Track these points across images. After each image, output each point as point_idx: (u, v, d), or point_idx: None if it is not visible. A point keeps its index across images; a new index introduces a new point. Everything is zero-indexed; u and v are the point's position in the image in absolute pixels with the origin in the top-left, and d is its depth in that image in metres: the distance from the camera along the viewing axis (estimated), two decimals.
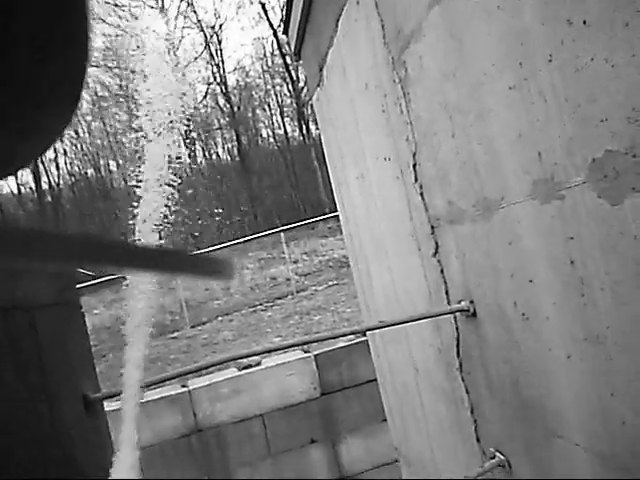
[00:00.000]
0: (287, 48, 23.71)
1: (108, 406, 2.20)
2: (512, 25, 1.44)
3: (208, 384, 7.16)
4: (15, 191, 26.31)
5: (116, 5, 24.71)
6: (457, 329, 2.31)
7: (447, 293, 2.32)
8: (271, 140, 28.84)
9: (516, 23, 1.42)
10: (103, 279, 13.54)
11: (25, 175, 25.80)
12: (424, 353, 2.83)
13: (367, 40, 2.53)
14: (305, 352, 7.46)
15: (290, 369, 7.29)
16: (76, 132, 26.89)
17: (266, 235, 15.53)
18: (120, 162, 28.03)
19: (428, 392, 2.93)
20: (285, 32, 4.14)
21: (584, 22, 1.19)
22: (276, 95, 28.45)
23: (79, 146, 27.72)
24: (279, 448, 7.27)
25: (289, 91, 27.49)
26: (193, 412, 7.07)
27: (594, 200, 1.28)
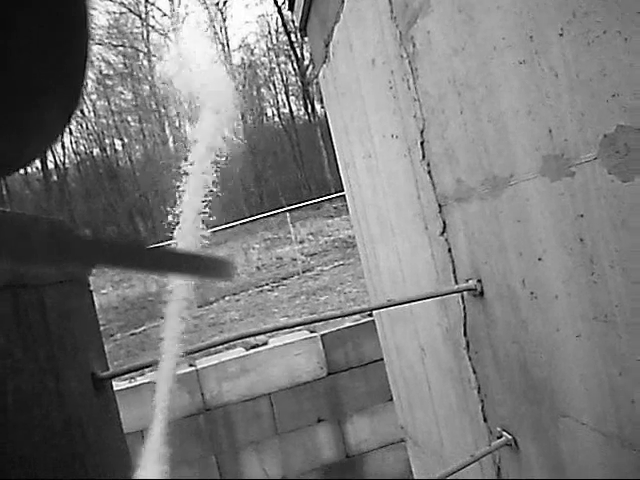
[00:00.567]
0: (292, 25, 23.53)
1: (117, 385, 2.21)
2: None
3: (216, 363, 7.20)
4: (21, 171, 26.40)
5: None
6: (464, 308, 2.30)
7: (454, 272, 2.30)
8: (276, 119, 28.72)
9: None
10: None
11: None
12: (431, 333, 2.82)
13: (374, 15, 2.49)
14: (311, 332, 7.48)
15: (297, 349, 7.32)
16: (81, 111, 26.85)
17: (272, 215, 15.54)
18: (125, 141, 28.01)
19: (435, 372, 2.92)
20: (290, 8, 4.09)
21: None
22: (281, 73, 28.28)
23: (84, 125, 27.69)
24: (286, 427, 7.33)
25: (294, 69, 27.31)
26: (201, 391, 7.12)
27: (605, 177, 1.26)
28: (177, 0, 25.77)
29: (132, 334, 11.67)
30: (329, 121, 4.09)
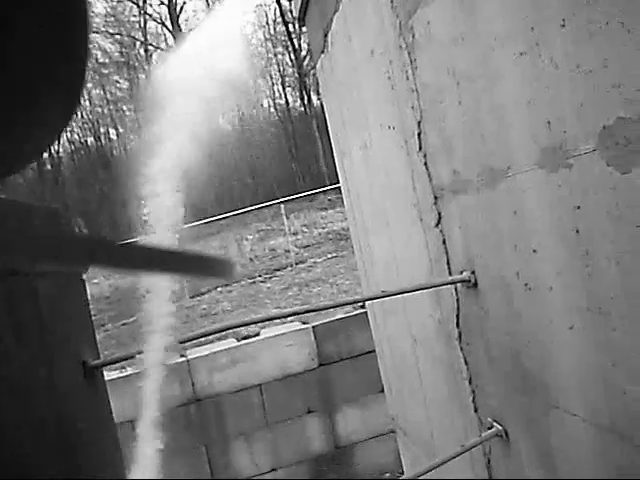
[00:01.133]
0: (290, 15, 23.43)
1: (108, 375, 2.21)
2: None
3: (207, 354, 7.20)
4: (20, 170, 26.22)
5: None
6: (457, 300, 2.30)
7: (448, 264, 2.31)
8: (272, 110, 28.64)
9: None
10: None
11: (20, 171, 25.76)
12: (423, 324, 2.83)
13: (374, 4, 2.48)
14: (303, 323, 7.49)
15: (288, 340, 7.33)
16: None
17: (266, 206, 15.51)
18: (120, 130, 27.89)
19: (426, 363, 2.93)
20: None
21: None
22: (278, 64, 28.17)
23: (79, 114, 27.52)
24: (276, 418, 7.34)
25: (291, 60, 27.22)
26: (192, 381, 7.13)
27: (603, 168, 1.26)
28: None
29: (123, 324, 11.66)
30: (326, 112, 4.08)
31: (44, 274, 1.78)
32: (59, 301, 1.89)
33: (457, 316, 2.33)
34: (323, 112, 4.20)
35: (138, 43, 26.69)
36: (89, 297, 2.30)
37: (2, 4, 0.31)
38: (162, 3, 26.10)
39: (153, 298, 1.69)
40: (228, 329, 2.49)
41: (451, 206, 2.18)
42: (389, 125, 2.65)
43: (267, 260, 14.78)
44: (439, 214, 2.30)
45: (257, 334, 7.43)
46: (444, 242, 2.31)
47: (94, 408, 1.99)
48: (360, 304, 6.13)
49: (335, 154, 4.09)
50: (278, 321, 7.38)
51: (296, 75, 26.90)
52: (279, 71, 28.21)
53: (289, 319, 7.38)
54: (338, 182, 4.24)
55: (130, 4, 26.14)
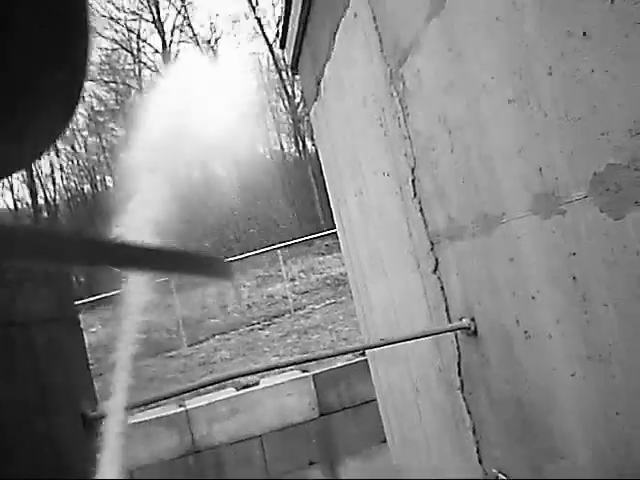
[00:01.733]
0: (283, 63, 23.86)
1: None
2: (511, 37, 1.42)
3: (206, 404, 7.09)
4: (11, 206, 26.32)
5: (112, 19, 24.88)
6: (458, 348, 2.27)
7: (447, 311, 2.28)
8: (267, 156, 28.89)
9: (516, 35, 1.40)
10: (100, 296, 13.50)
11: (21, 190, 25.83)
12: (425, 372, 2.79)
13: (364, 53, 2.52)
14: (303, 372, 7.40)
15: (288, 389, 7.23)
16: (72, 147, 26.96)
17: (263, 252, 15.50)
18: (117, 178, 28.07)
19: (429, 412, 2.88)
20: (282, 46, 4.15)
21: (584, 33, 1.17)
22: (272, 111, 28.54)
23: (75, 161, 27.76)
24: (277, 470, 7.19)
25: (285, 107, 27.59)
26: (190, 432, 7.00)
27: (596, 215, 1.25)
28: (169, 37, 26.08)
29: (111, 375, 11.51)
30: (320, 158, 4.11)
31: (41, 323, 1.76)
32: (57, 351, 1.86)
33: (458, 364, 2.30)
34: (318, 157, 4.24)
35: (133, 91, 27.09)
36: (87, 346, 2.27)
37: (2, 4, 0.31)
38: (156, 51, 26.58)
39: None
40: (227, 379, 2.45)
41: (448, 252, 2.17)
42: (383, 172, 2.66)
43: (265, 307, 14.70)
44: (436, 260, 2.29)
45: (257, 383, 7.33)
46: (442, 288, 2.29)
47: (93, 459, 1.95)
48: (360, 352, 6.08)
49: (331, 200, 4.10)
50: (278, 370, 7.30)
51: (290, 121, 27.24)
52: (273, 117, 28.58)
53: (288, 368, 7.30)
54: (335, 227, 4.25)
55: (125, 52, 26.62)
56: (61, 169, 27.20)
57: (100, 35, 24.54)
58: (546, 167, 1.40)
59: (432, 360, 2.61)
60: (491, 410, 2.09)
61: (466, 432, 2.36)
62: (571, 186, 1.32)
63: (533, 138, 1.43)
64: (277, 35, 23.88)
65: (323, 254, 17.27)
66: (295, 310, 13.67)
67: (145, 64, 26.82)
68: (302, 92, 4.27)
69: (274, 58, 25.77)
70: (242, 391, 7.21)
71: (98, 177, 28.41)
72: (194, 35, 26.82)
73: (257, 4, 25.35)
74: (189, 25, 27.04)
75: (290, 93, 26.19)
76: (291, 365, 2.26)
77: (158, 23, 25.87)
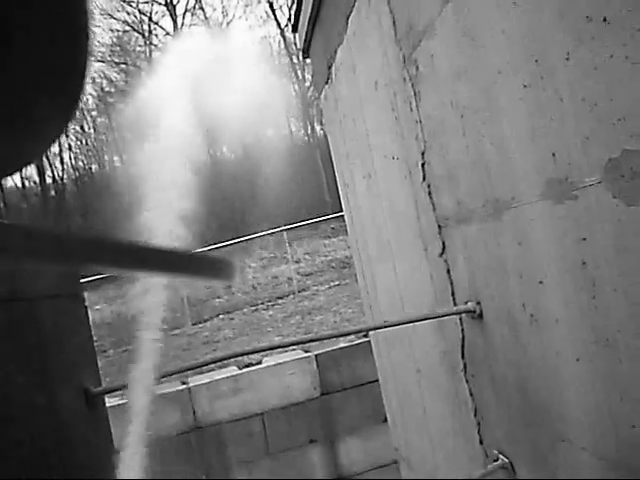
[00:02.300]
0: (294, 47, 23.71)
1: (109, 401, 2.19)
2: (528, 22, 1.42)
3: (208, 382, 7.15)
4: (19, 185, 26.35)
5: (124, 1, 24.74)
6: (462, 331, 2.29)
7: (453, 294, 2.30)
8: (275, 139, 28.79)
9: (533, 20, 1.40)
10: (105, 275, 13.56)
11: (29, 169, 25.83)
12: (428, 354, 2.81)
13: (378, 37, 2.51)
14: (306, 352, 7.45)
15: (291, 368, 7.28)
16: (81, 127, 26.91)
17: (269, 234, 15.51)
18: (125, 158, 28.06)
19: (431, 393, 2.91)
20: (294, 29, 4.13)
21: (604, 19, 1.17)
22: (281, 94, 28.38)
23: (84, 141, 27.73)
24: (278, 447, 7.26)
25: (295, 91, 27.47)
26: (193, 409, 7.07)
27: (609, 200, 1.26)
28: (180, 20, 25.93)
29: (125, 350, 11.59)
30: (329, 142, 4.11)
31: (45, 299, 1.77)
32: (61, 327, 1.88)
33: (462, 347, 2.32)
34: (326, 141, 4.23)
35: (144, 72, 27.00)
36: (91, 323, 2.29)
37: (2, 4, 0.31)
38: (167, 34, 26.46)
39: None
40: (230, 358, 2.47)
41: (455, 236, 2.18)
42: (393, 155, 2.66)
43: (270, 288, 14.75)
44: (443, 244, 2.30)
45: (259, 362, 7.39)
46: (449, 272, 2.30)
47: (95, 435, 1.97)
48: (363, 333, 6.11)
49: (338, 183, 4.10)
50: (280, 349, 7.34)
51: (300, 105, 27.13)
52: (283, 101, 28.43)
53: (291, 348, 7.34)
54: (341, 210, 4.25)
55: (136, 34, 26.51)
56: (70, 149, 27.18)
57: (112, 17, 24.43)
58: (560, 152, 1.40)
59: (436, 342, 2.63)
60: (494, 393, 2.11)
61: (468, 414, 2.39)
62: (585, 171, 1.32)
63: (548, 123, 1.43)
64: (289, 19, 23.71)
65: (329, 237, 17.28)
66: (299, 291, 13.71)
67: (156, 46, 26.70)
68: (313, 76, 4.25)
69: (285, 42, 25.62)
70: (244, 370, 7.27)
71: (106, 157, 28.40)
72: (206, 18, 26.67)
73: None
74: (201, 8, 26.88)
75: (300, 77, 26.07)
76: (294, 345, 2.29)
77: (170, 6, 25.73)
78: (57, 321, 1.85)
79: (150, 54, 26.78)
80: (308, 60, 4.26)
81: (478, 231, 1.97)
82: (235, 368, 7.39)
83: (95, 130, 27.93)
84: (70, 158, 27.68)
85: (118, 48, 26.33)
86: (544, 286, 1.62)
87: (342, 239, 15.40)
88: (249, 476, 7.15)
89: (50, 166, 26.62)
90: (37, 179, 26.52)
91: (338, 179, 4.08)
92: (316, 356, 7.32)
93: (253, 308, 13.31)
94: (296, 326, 10.51)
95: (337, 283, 13.57)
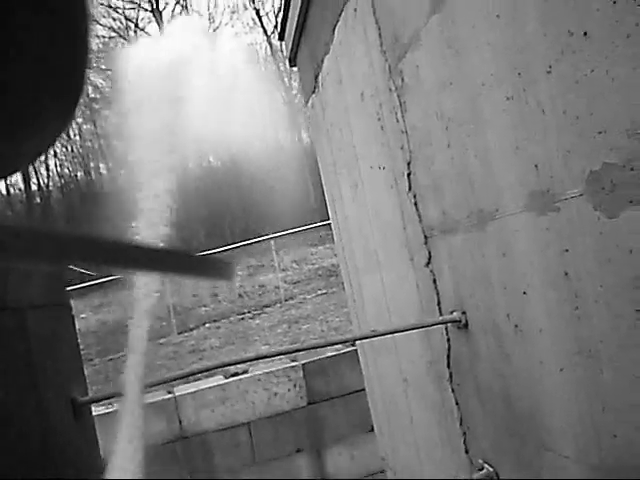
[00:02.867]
0: (280, 55, 23.78)
1: (96, 410, 2.18)
2: (512, 35, 1.44)
3: (194, 391, 7.11)
4: (4, 192, 26.15)
5: (110, 7, 24.71)
6: (448, 340, 2.30)
7: (439, 304, 2.31)
8: (262, 147, 28.82)
9: (516, 33, 1.42)
10: (91, 283, 13.47)
11: (14, 176, 25.66)
12: (414, 364, 2.82)
13: (364, 48, 2.53)
14: (293, 361, 7.43)
15: (277, 378, 7.26)
16: (67, 134, 26.78)
17: (255, 242, 15.49)
18: (110, 165, 27.95)
19: (417, 403, 2.91)
20: (280, 38, 4.14)
21: (585, 33, 1.18)
22: (268, 102, 28.42)
23: (69, 148, 27.60)
24: (264, 456, 7.23)
25: (282, 98, 27.52)
26: (179, 419, 7.02)
27: (590, 213, 1.28)
28: (166, 26, 25.96)
29: (111, 359, 11.52)
30: (316, 150, 4.12)
31: (33, 308, 1.76)
32: (49, 337, 1.87)
33: (448, 357, 2.33)
34: (313, 149, 4.25)
35: (128, 79, 26.91)
36: (77, 332, 2.27)
37: (2, 4, 0.31)
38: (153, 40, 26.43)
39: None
40: (216, 368, 2.47)
41: (441, 246, 2.19)
42: (379, 165, 2.67)
43: (256, 296, 14.71)
44: (429, 254, 2.31)
45: (245, 371, 7.36)
46: (434, 282, 2.31)
47: (83, 444, 1.96)
48: (350, 342, 6.10)
49: (325, 192, 4.11)
50: (267, 359, 7.31)
51: (287, 113, 27.17)
52: (270, 109, 28.47)
53: (278, 357, 7.32)
54: (328, 218, 4.26)
55: (122, 40, 26.47)
56: (55, 155, 27.03)
57: (98, 23, 24.39)
58: (542, 164, 1.42)
59: (422, 352, 2.64)
60: (479, 402, 2.12)
61: (454, 423, 2.39)
62: (566, 184, 1.34)
63: (530, 135, 1.44)
64: (275, 26, 23.80)
65: (315, 245, 17.28)
66: (286, 300, 13.69)
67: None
68: (300, 84, 4.26)
69: (272, 49, 25.70)
70: (231, 379, 7.24)
71: (92, 164, 28.27)
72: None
73: None
74: (187, 15, 26.89)
75: (287, 84, 26.14)
76: (281, 354, 2.29)
77: (156, 12, 25.74)
78: (44, 330, 1.84)
79: None
80: (295, 68, 4.28)
81: (463, 241, 1.98)
82: (221, 377, 7.36)
83: (81, 137, 27.81)
84: (55, 165, 27.52)
85: (104, 54, 26.27)
86: (528, 297, 1.63)
87: (329, 247, 15.42)
88: None
89: (35, 173, 26.46)
90: (22, 186, 26.34)
91: (325, 188, 4.09)
92: (303, 365, 7.31)
93: (240, 317, 13.26)
94: (283, 335, 10.49)
95: (324, 292, 13.57)
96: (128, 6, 26.04)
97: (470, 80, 1.69)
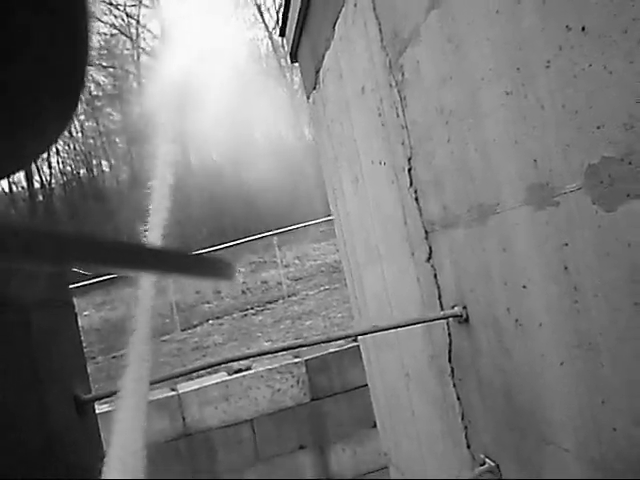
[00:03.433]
0: (282, 50, 23.77)
1: (99, 408, 2.18)
2: (511, 30, 1.44)
3: (197, 388, 7.13)
4: (6, 190, 26.18)
5: (111, 4, 24.71)
6: (449, 335, 2.31)
7: (440, 298, 2.31)
8: (264, 142, 28.80)
9: (515, 28, 1.42)
10: (93, 280, 13.49)
11: (17, 174, 25.65)
12: (416, 359, 2.82)
13: (364, 43, 2.53)
14: (295, 357, 7.44)
15: (280, 374, 7.27)
16: (69, 132, 26.80)
17: (258, 238, 15.49)
18: (113, 162, 27.98)
19: (419, 398, 2.92)
20: (282, 34, 4.14)
21: (582, 28, 1.19)
22: (270, 97, 28.39)
23: (72, 146, 27.60)
24: (268, 453, 7.25)
25: (283, 93, 27.50)
26: (182, 416, 7.04)
27: (589, 206, 1.28)
28: (168, 23, 25.94)
29: (114, 357, 11.54)
30: (317, 145, 4.12)
31: (37, 306, 1.77)
32: (52, 334, 1.88)
33: (449, 351, 2.33)
34: (315, 144, 4.25)
35: (131, 76, 26.95)
36: (79, 329, 2.28)
37: (2, 5, 0.31)
38: (155, 37, 26.44)
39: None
40: (220, 364, 2.47)
41: (442, 241, 2.19)
42: (380, 160, 2.68)
43: (259, 292, 14.73)
44: (430, 249, 2.31)
45: (249, 368, 7.37)
46: (435, 277, 2.32)
47: (86, 442, 1.97)
48: (353, 338, 6.11)
49: (327, 187, 4.12)
50: (270, 355, 7.33)
51: (288, 108, 27.15)
52: (271, 104, 28.45)
53: (281, 353, 7.33)
54: (330, 214, 4.26)
55: (124, 38, 26.46)
56: (57, 153, 27.05)
57: (99, 20, 24.38)
58: (541, 158, 1.42)
59: (423, 347, 2.65)
60: (480, 396, 2.12)
61: (455, 418, 2.40)
62: (565, 178, 1.34)
63: (529, 130, 1.45)
64: (277, 22, 23.77)
65: (318, 241, 17.29)
66: (289, 296, 13.71)
67: (144, 49, 26.68)
68: (301, 79, 4.26)
69: (273, 45, 25.69)
70: (234, 375, 7.25)
71: (94, 161, 28.29)
72: None
73: None
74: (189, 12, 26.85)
75: (289, 80, 26.12)
76: (284, 350, 2.29)
77: (158, 9, 25.74)
78: (47, 328, 1.84)
79: (138, 57, 26.74)
80: (296, 64, 4.28)
81: (464, 236, 1.99)
82: (225, 374, 7.37)
83: (83, 134, 27.82)
84: (58, 163, 27.54)
85: (106, 51, 26.26)
86: (528, 291, 1.64)
87: (331, 243, 15.41)
88: None
89: (38, 171, 26.49)
90: (25, 184, 26.37)
91: (326, 183, 4.10)
92: (306, 361, 7.32)
93: (242, 313, 13.28)
94: (286, 331, 10.51)
95: (327, 287, 13.58)
96: (129, 3, 26.02)
97: (470, 75, 1.70)
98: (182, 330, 12.90)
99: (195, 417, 7.08)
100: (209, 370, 7.41)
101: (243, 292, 14.89)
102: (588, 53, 1.19)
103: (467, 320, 2.09)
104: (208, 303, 14.63)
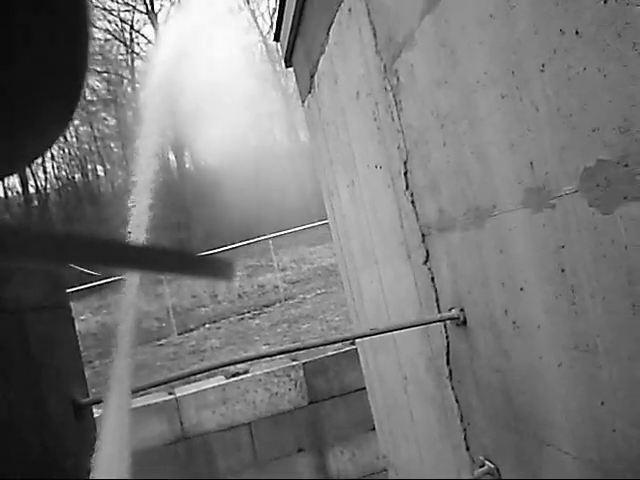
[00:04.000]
0: (276, 55, 23.78)
1: (96, 412, 2.18)
2: (505, 34, 1.45)
3: (195, 392, 7.11)
4: (1, 195, 26.13)
5: (105, 9, 24.70)
6: (447, 337, 2.31)
7: (437, 301, 2.32)
8: (259, 146, 28.80)
9: (509, 32, 1.43)
10: (90, 284, 13.46)
11: (12, 179, 25.62)
12: (414, 362, 2.83)
13: (359, 48, 2.54)
14: (293, 360, 7.44)
15: (278, 377, 7.26)
16: (64, 136, 26.75)
17: (254, 242, 15.48)
18: (107, 167, 27.95)
19: (417, 400, 2.92)
20: (276, 38, 4.15)
21: (576, 32, 1.19)
22: (264, 101, 28.41)
23: (67, 150, 27.57)
24: (266, 457, 7.23)
25: (278, 97, 27.52)
26: (180, 420, 7.02)
27: (585, 209, 1.29)
28: (162, 28, 25.96)
29: (111, 361, 11.51)
30: (313, 150, 4.13)
31: (33, 311, 1.77)
32: (48, 339, 1.87)
33: (447, 354, 2.34)
34: (310, 149, 4.25)
35: (126, 81, 26.95)
36: (76, 333, 2.28)
37: (3, 5, 0.31)
38: (149, 42, 26.45)
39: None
40: (217, 368, 2.47)
41: (439, 244, 2.20)
42: (376, 164, 2.68)
43: (256, 296, 14.72)
44: (427, 252, 2.32)
45: (246, 372, 7.36)
46: (432, 279, 2.32)
47: (83, 446, 1.97)
48: (350, 341, 6.11)
49: (323, 191, 4.12)
50: (267, 358, 7.32)
51: (283, 112, 27.17)
52: (266, 108, 28.46)
53: (278, 356, 7.33)
54: (326, 218, 4.27)
55: (118, 43, 26.46)
56: (52, 158, 27.02)
57: (93, 25, 24.38)
58: (537, 161, 1.43)
59: (421, 349, 2.65)
60: (479, 398, 2.13)
61: (454, 420, 2.41)
62: (561, 181, 1.35)
63: (525, 133, 1.46)
64: (271, 27, 23.79)
65: (314, 244, 17.28)
66: (286, 299, 13.70)
67: (138, 54, 26.68)
68: (296, 84, 4.26)
69: (267, 50, 25.72)
70: (231, 379, 7.24)
71: (89, 166, 28.25)
72: None
73: None
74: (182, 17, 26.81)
75: (283, 84, 26.15)
76: (281, 354, 2.29)
77: (152, 14, 25.75)
78: (45, 332, 1.84)
79: (132, 62, 26.74)
80: (291, 69, 4.28)
81: (460, 239, 2.00)
82: (222, 377, 7.36)
83: (78, 139, 27.80)
84: (53, 168, 27.51)
85: (100, 57, 26.25)
86: (525, 293, 1.64)
87: (328, 246, 15.40)
88: None
89: (33, 176, 26.44)
90: (20, 189, 26.32)
91: (322, 187, 4.10)
92: (303, 364, 7.31)
93: (239, 317, 13.27)
94: (283, 334, 10.50)
95: (324, 291, 13.57)
96: (123, 8, 26.05)
97: (465, 79, 1.70)
98: (179, 334, 12.88)
99: (193, 421, 7.06)
100: (206, 374, 7.39)
101: (240, 296, 14.88)
102: (582, 56, 1.20)
103: (465, 322, 2.10)
104: (205, 307, 14.62)
